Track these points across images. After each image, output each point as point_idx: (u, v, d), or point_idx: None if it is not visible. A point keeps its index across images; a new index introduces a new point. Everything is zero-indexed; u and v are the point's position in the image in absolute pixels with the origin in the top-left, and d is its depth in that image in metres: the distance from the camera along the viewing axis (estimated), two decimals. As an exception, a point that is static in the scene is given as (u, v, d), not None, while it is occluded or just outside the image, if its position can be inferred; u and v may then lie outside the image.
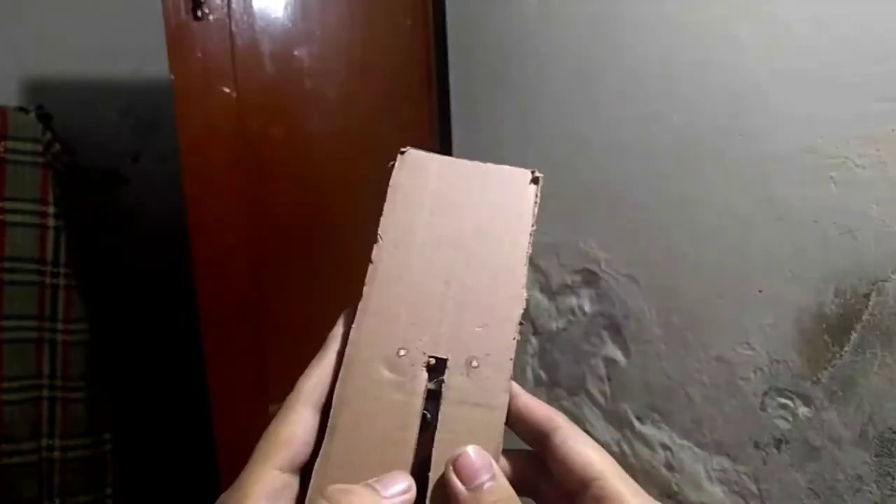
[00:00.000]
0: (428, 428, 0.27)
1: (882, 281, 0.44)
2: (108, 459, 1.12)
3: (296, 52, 0.99)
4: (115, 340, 1.25)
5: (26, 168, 1.02)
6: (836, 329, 0.47)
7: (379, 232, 0.30)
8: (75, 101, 1.35)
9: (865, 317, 0.45)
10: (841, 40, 0.46)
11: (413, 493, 0.25)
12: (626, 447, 0.70)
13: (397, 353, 0.28)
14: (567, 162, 0.75)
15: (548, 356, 0.82)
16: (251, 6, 0.95)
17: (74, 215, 1.10)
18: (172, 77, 0.90)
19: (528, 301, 0.29)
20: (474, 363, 0.28)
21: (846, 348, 0.47)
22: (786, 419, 0.52)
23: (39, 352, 1.04)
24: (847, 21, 0.45)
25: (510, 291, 0.29)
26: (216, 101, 0.94)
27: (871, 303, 0.45)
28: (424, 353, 0.28)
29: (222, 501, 0.24)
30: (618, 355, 0.70)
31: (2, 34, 1.31)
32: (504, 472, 0.28)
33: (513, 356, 0.28)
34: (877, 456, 0.45)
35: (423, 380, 0.28)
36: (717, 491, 0.59)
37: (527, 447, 0.29)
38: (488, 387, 0.27)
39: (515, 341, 0.28)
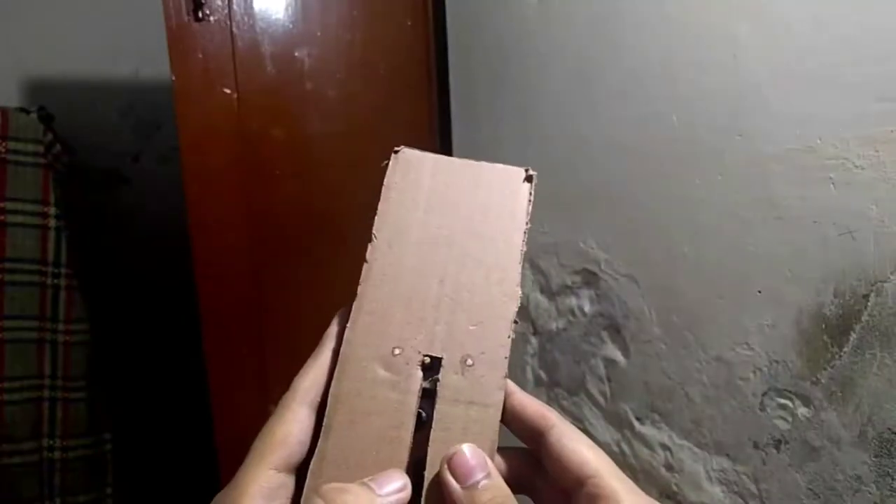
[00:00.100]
0: (423, 427, 0.27)
1: (881, 282, 0.44)
2: (109, 459, 1.12)
3: (296, 53, 0.99)
4: (115, 340, 1.26)
5: (27, 169, 1.02)
6: (836, 329, 0.47)
7: (373, 231, 0.30)
8: (75, 102, 1.35)
9: (865, 317, 0.45)
10: (841, 40, 0.46)
11: (408, 492, 0.25)
12: (625, 447, 0.70)
13: (392, 351, 0.28)
14: (567, 162, 0.75)
15: (548, 356, 0.82)
16: (252, 7, 0.95)
17: (75, 215, 1.11)
18: (173, 77, 0.90)
19: (523, 299, 0.29)
20: (469, 361, 0.28)
21: (845, 349, 0.47)
22: (785, 419, 0.52)
23: (40, 352, 1.05)
24: (847, 21, 0.45)
25: (505, 289, 0.29)
26: (217, 102, 0.94)
27: (870, 303, 0.45)
28: (419, 352, 0.28)
29: (218, 501, 0.24)
30: (617, 355, 0.70)
31: (2, 34, 1.31)
32: (499, 470, 0.28)
33: (507, 354, 0.28)
34: (876, 456, 0.45)
35: (417, 378, 0.28)
36: (717, 491, 0.59)
37: (523, 445, 0.29)
38: (483, 385, 0.27)
39: (510, 339, 0.28)
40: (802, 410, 0.51)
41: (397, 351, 0.28)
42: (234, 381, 0.97)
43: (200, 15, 0.91)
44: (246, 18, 0.95)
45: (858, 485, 0.47)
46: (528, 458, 0.29)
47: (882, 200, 0.44)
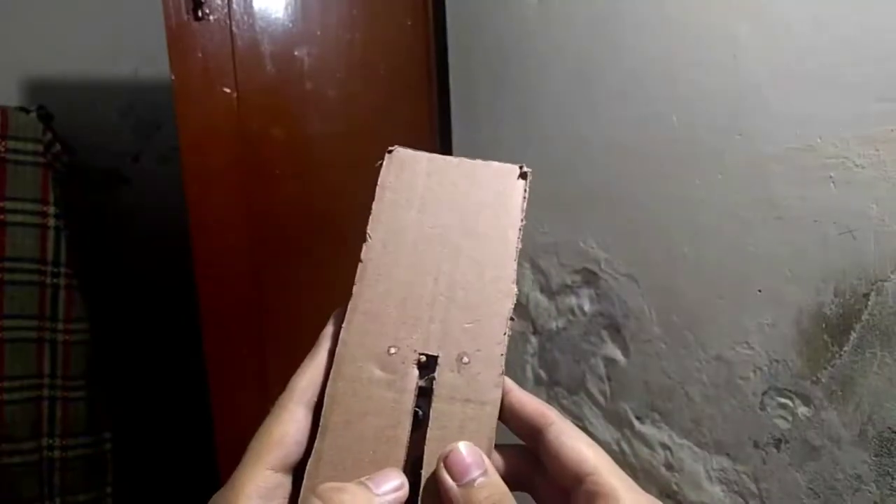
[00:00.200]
0: (420, 426, 0.27)
1: (882, 281, 0.44)
2: (108, 459, 1.12)
3: (296, 53, 0.99)
4: (115, 340, 1.26)
5: (27, 168, 1.02)
6: (836, 329, 0.48)
7: (368, 231, 0.30)
8: (75, 101, 1.35)
9: (865, 317, 0.45)
10: (841, 40, 0.46)
11: (405, 491, 0.25)
12: (625, 447, 0.70)
13: (388, 351, 0.28)
14: (567, 162, 0.76)
15: (548, 356, 0.82)
16: (252, 6, 0.95)
17: (74, 215, 1.11)
18: (173, 77, 0.90)
19: (519, 296, 0.29)
20: (465, 359, 0.28)
21: (846, 348, 0.47)
22: (785, 419, 0.52)
23: (40, 351, 1.05)
24: (847, 21, 0.45)
25: (500, 287, 0.29)
26: (216, 102, 0.94)
27: (870, 303, 0.45)
28: (415, 351, 0.28)
29: (215, 501, 0.24)
30: (617, 355, 0.70)
31: (2, 34, 1.31)
32: (498, 468, 0.28)
33: (504, 351, 0.28)
34: (876, 455, 0.45)
35: (413, 377, 0.28)
36: (717, 490, 0.59)
37: (521, 442, 0.29)
38: (479, 383, 0.27)
39: (506, 336, 0.28)
40: (802, 410, 0.51)
41: (393, 350, 0.28)
42: (234, 381, 0.97)
43: (200, 14, 0.91)
44: (245, 18, 0.95)
45: (858, 484, 0.47)
46: (526, 455, 0.29)
47: (882, 199, 0.44)
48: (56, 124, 1.09)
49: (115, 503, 1.13)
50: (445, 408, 0.27)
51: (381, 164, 0.32)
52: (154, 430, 1.36)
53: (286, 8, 0.97)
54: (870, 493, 0.46)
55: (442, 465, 0.25)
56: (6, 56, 1.31)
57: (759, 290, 0.54)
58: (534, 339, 0.85)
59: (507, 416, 0.29)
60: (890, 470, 0.45)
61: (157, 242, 1.39)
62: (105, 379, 1.12)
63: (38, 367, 1.04)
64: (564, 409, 0.80)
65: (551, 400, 0.81)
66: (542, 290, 0.83)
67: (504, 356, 0.28)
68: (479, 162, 0.32)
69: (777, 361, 0.53)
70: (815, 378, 0.50)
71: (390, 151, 0.32)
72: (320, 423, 0.27)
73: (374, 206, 0.31)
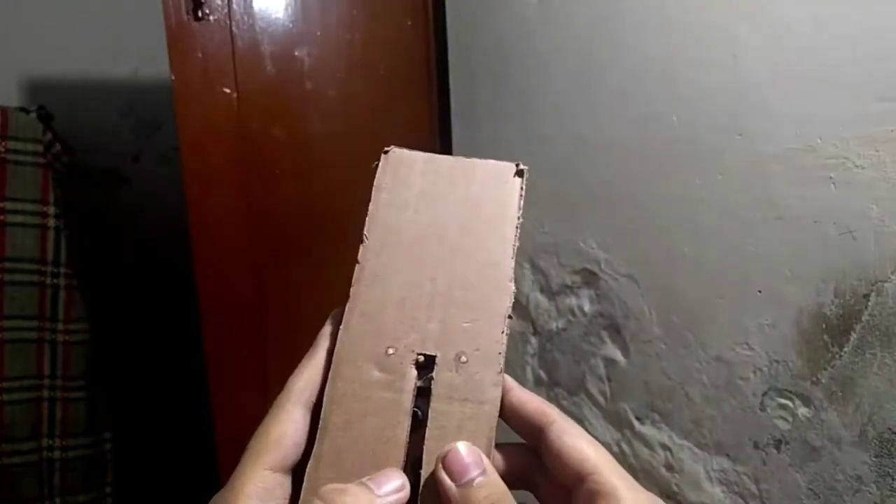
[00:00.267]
0: (420, 426, 0.27)
1: (882, 281, 0.44)
2: (108, 459, 1.12)
3: (296, 53, 0.99)
4: (115, 340, 1.26)
5: (27, 168, 1.02)
6: (836, 329, 0.47)
7: (365, 232, 0.30)
8: (75, 101, 1.35)
9: (865, 317, 0.45)
10: (841, 40, 0.46)
11: (407, 491, 0.25)
12: (625, 447, 0.70)
13: (386, 351, 0.28)
14: (567, 162, 0.76)
15: (548, 356, 0.82)
16: (252, 7, 0.95)
17: (74, 215, 1.11)
18: (173, 77, 0.90)
19: (517, 295, 0.29)
20: (463, 358, 0.28)
21: (846, 349, 0.47)
22: (785, 419, 0.52)
23: (40, 352, 1.05)
24: (847, 21, 0.45)
25: (497, 285, 0.29)
26: (216, 102, 0.94)
27: (870, 303, 0.45)
28: (413, 351, 0.28)
29: (215, 502, 0.24)
30: (617, 355, 0.70)
31: (2, 34, 1.31)
32: (499, 466, 0.28)
33: (502, 350, 0.28)
34: (876, 456, 0.45)
35: (412, 377, 0.28)
36: (717, 491, 0.59)
37: (523, 441, 0.29)
38: (477, 382, 0.27)
39: (504, 335, 0.28)
40: (803, 410, 0.51)
41: (391, 351, 0.28)
42: (234, 381, 0.97)
43: (200, 14, 0.91)
44: (245, 18, 0.95)
45: (859, 485, 0.47)
46: (528, 453, 0.28)
47: (882, 200, 0.44)
48: (56, 124, 1.09)
49: (115, 503, 1.13)
50: (444, 407, 0.27)
51: (378, 165, 0.32)
52: (154, 430, 1.36)
53: (286, 8, 0.97)
54: (870, 493, 0.46)
55: (440, 465, 0.25)
56: (6, 56, 1.31)
57: (759, 291, 0.53)
58: (534, 340, 0.85)
59: (509, 414, 0.29)
60: (890, 471, 0.44)
61: (157, 242, 1.39)
62: (105, 379, 1.12)
63: (38, 367, 1.04)
64: (564, 410, 0.80)
65: (551, 401, 0.81)
66: (542, 291, 0.82)
67: (503, 355, 0.28)
68: (475, 160, 0.32)
69: (777, 362, 0.53)
70: (815, 379, 0.49)
71: (386, 152, 0.32)
72: (320, 425, 0.27)
73: (371, 207, 0.31)
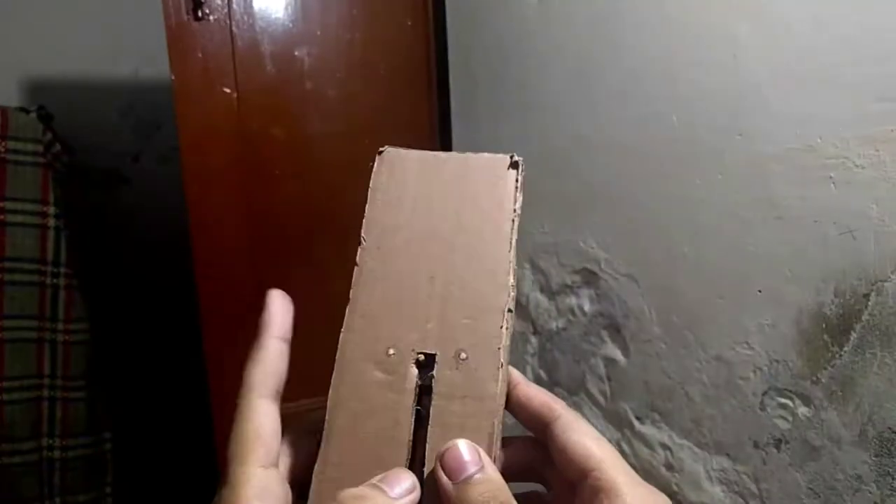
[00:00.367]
0: (423, 425, 0.27)
1: (882, 281, 0.44)
2: (108, 459, 1.12)
3: (296, 53, 0.99)
4: (115, 340, 1.26)
5: (27, 168, 1.02)
6: (836, 329, 0.47)
7: (362, 234, 0.31)
8: (75, 101, 1.35)
9: (865, 317, 0.45)
10: (841, 40, 0.46)
11: (418, 492, 0.25)
12: (625, 447, 0.70)
13: (387, 352, 0.28)
14: (567, 162, 0.76)
15: (548, 356, 0.82)
16: (252, 7, 0.95)
17: (74, 215, 1.11)
18: (173, 77, 0.90)
19: (518, 295, 0.29)
20: (462, 356, 0.28)
21: (846, 348, 0.47)
22: (785, 419, 0.52)
23: (40, 351, 1.05)
24: (847, 21, 0.45)
25: (495, 280, 0.29)
26: (216, 102, 0.94)
27: (870, 303, 0.45)
28: (413, 350, 0.28)
29: None
30: (617, 355, 0.70)
31: (2, 34, 1.31)
32: (510, 460, 0.28)
33: (502, 345, 0.28)
34: (876, 456, 0.45)
35: (413, 377, 0.28)
36: (717, 491, 0.59)
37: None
38: (477, 378, 0.27)
39: (504, 330, 0.28)
40: (803, 410, 0.51)
41: (392, 351, 0.28)
42: (234, 381, 0.96)
43: (200, 14, 0.91)
44: (245, 18, 0.95)
45: (859, 484, 0.47)
46: (539, 446, 0.29)
47: (882, 200, 0.44)
48: (56, 124, 1.09)
49: (115, 503, 1.13)
50: (445, 405, 0.27)
51: (373, 166, 0.32)
52: (154, 430, 1.36)
53: (286, 8, 0.97)
54: (870, 493, 0.46)
55: (438, 463, 0.25)
56: (6, 56, 1.31)
57: (759, 291, 0.54)
58: (534, 340, 0.85)
59: (516, 409, 0.29)
60: (890, 470, 0.44)
61: (157, 242, 1.39)
62: (105, 379, 1.12)
63: (38, 367, 1.04)
64: (564, 410, 0.79)
65: (551, 400, 0.81)
66: (542, 290, 0.82)
67: (503, 350, 0.28)
68: (469, 155, 0.32)
69: (777, 362, 0.53)
70: (815, 378, 0.50)
71: (380, 152, 0.32)
72: (325, 428, 0.27)
73: (367, 208, 0.31)
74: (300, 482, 0.26)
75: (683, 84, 0.59)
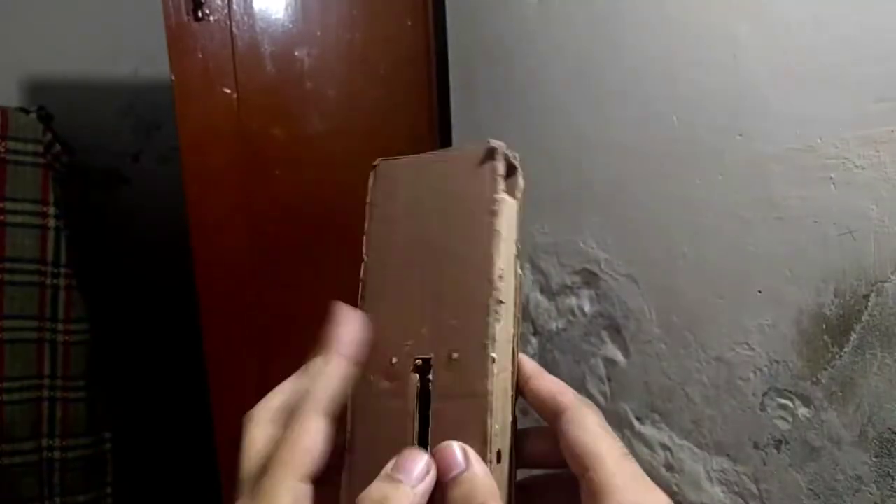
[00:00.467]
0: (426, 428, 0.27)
1: (882, 282, 0.44)
2: (108, 459, 1.12)
3: (296, 53, 0.99)
4: (115, 340, 1.26)
5: (27, 168, 1.02)
6: (836, 329, 0.47)
7: (363, 251, 0.31)
8: (75, 101, 1.35)
9: (865, 317, 0.45)
10: (841, 40, 0.46)
11: (434, 470, 0.25)
12: (625, 447, 0.70)
13: (391, 361, 0.29)
14: (567, 162, 0.75)
15: (548, 356, 0.82)
16: (252, 7, 0.95)
17: (74, 215, 1.11)
18: (173, 77, 0.90)
19: (503, 278, 0.28)
20: (454, 355, 0.28)
21: (846, 349, 0.47)
22: (785, 419, 0.52)
23: (40, 352, 1.05)
24: (847, 21, 0.45)
25: (479, 275, 0.29)
26: (216, 102, 0.94)
27: (870, 303, 0.45)
28: (412, 357, 0.28)
29: None
30: (617, 355, 0.70)
31: (2, 34, 1.31)
32: (535, 449, 0.29)
33: (489, 340, 0.27)
34: (876, 456, 0.45)
35: (414, 382, 0.28)
36: (717, 491, 0.59)
37: None
38: (469, 376, 0.28)
39: (494, 322, 0.28)
40: (803, 410, 0.51)
41: (395, 360, 0.29)
42: (234, 381, 0.97)
43: (200, 14, 0.91)
44: (246, 18, 0.95)
45: (859, 485, 0.47)
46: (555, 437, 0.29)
47: (882, 200, 0.44)
48: (56, 124, 1.09)
49: (115, 503, 1.13)
50: (442, 406, 0.27)
51: (369, 181, 0.32)
52: (154, 430, 1.36)
53: (286, 8, 0.97)
54: (870, 494, 0.46)
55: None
56: (6, 56, 1.31)
57: (759, 291, 0.53)
58: (534, 340, 0.85)
59: (530, 403, 0.29)
60: (890, 471, 0.44)
61: (157, 242, 1.39)
62: (105, 379, 1.12)
63: (38, 367, 1.04)
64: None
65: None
66: (542, 291, 0.82)
67: (492, 343, 0.27)
68: (452, 151, 0.32)
69: (777, 362, 0.53)
70: (815, 379, 0.49)
71: (374, 166, 0.33)
72: (347, 440, 0.28)
73: (366, 225, 0.31)
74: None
75: (683, 84, 0.59)
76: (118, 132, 1.41)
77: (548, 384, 0.29)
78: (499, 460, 0.27)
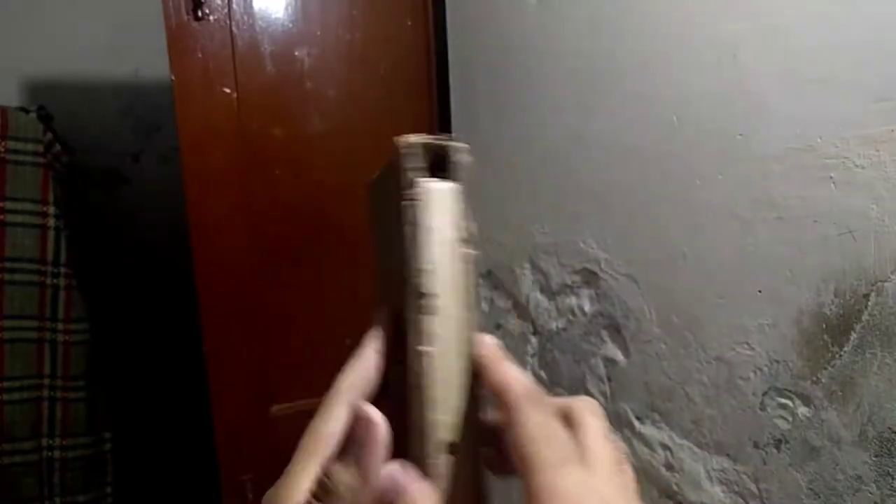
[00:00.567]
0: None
1: (881, 281, 0.44)
2: (108, 459, 1.12)
3: (296, 53, 0.99)
4: (115, 340, 1.26)
5: (27, 168, 1.02)
6: (836, 329, 0.47)
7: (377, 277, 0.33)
8: (75, 101, 1.35)
9: (865, 317, 0.45)
10: (841, 40, 0.46)
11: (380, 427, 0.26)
12: (626, 447, 0.70)
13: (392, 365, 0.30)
14: (567, 162, 0.76)
15: (548, 356, 0.82)
16: (252, 7, 0.95)
17: (74, 215, 1.11)
18: (173, 77, 0.90)
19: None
20: (401, 356, 0.29)
21: (846, 348, 0.47)
22: (785, 419, 0.52)
23: (40, 352, 1.05)
24: (847, 21, 0.45)
25: (410, 273, 0.28)
26: (216, 102, 0.94)
27: (870, 303, 0.45)
28: (397, 359, 0.29)
29: (272, 494, 0.26)
30: (617, 355, 0.70)
31: (2, 34, 1.31)
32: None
33: (420, 334, 0.27)
34: (876, 456, 0.45)
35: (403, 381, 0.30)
36: (717, 491, 0.59)
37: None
38: (412, 369, 0.28)
39: (426, 316, 0.27)
40: (803, 410, 0.51)
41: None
42: (234, 381, 0.97)
43: (200, 14, 0.91)
44: (245, 18, 0.95)
45: (859, 484, 0.47)
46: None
47: (882, 200, 0.44)
48: (56, 124, 1.09)
49: (115, 503, 1.13)
50: (402, 396, 0.29)
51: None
52: (154, 430, 1.36)
53: (286, 8, 0.97)
54: (870, 493, 0.46)
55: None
56: (6, 56, 1.31)
57: (759, 291, 0.54)
58: (534, 340, 0.85)
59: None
60: (890, 470, 0.44)
61: (157, 242, 1.39)
62: (105, 379, 1.12)
63: (38, 367, 1.04)
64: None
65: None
66: (542, 291, 0.82)
67: (425, 336, 0.27)
68: (397, 149, 0.30)
69: (777, 362, 0.53)
70: (815, 378, 0.50)
71: (366, 185, 0.33)
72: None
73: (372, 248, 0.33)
74: None
75: (683, 84, 0.59)
76: (118, 132, 1.41)
77: (498, 377, 0.28)
78: (452, 452, 0.27)
